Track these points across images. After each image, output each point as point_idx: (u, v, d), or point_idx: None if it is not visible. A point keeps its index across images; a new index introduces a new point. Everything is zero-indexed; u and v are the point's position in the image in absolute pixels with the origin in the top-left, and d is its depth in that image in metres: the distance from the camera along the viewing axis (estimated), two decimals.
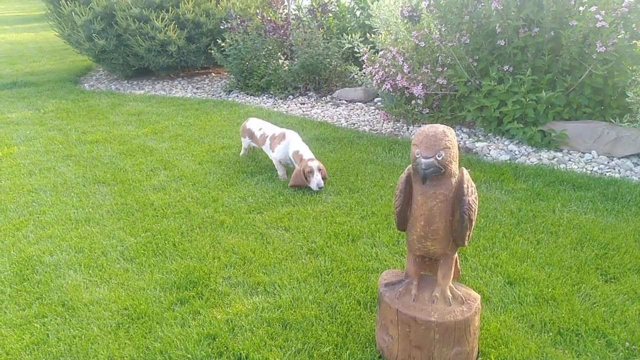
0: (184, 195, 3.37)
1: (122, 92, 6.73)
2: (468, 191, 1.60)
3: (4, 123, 5.28)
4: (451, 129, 1.62)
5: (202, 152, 4.21)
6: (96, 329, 2.10)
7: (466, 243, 1.70)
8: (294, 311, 2.16)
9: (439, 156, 1.53)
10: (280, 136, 3.61)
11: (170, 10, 6.57)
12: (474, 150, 4.08)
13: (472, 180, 1.70)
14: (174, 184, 3.57)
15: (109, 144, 4.51)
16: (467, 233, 1.66)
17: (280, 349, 1.95)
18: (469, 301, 1.76)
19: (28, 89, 6.90)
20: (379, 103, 5.60)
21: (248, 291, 2.33)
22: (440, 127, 1.58)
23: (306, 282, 2.37)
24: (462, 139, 4.37)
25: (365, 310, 2.15)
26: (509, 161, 3.79)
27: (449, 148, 1.55)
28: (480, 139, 4.31)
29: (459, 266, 1.93)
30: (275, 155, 3.60)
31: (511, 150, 3.99)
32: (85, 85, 7.26)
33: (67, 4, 6.70)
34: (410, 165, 1.71)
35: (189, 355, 1.92)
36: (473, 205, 1.61)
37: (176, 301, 2.26)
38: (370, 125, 4.88)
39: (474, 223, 1.66)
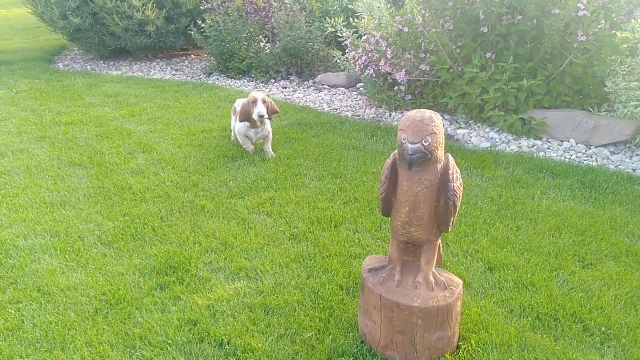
0: (163, 179, 3.31)
1: (98, 72, 6.54)
2: (453, 177, 1.60)
3: None
4: (437, 114, 1.60)
5: (181, 135, 4.13)
6: (73, 314, 2.05)
7: (450, 229, 1.70)
8: (276, 296, 2.15)
9: (425, 142, 1.52)
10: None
11: None
12: (455, 137, 4.10)
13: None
14: (153, 168, 3.49)
15: (84, 126, 4.38)
16: (451, 219, 1.66)
17: (263, 334, 1.93)
18: (451, 287, 1.77)
19: None
20: (361, 89, 5.57)
21: (229, 276, 2.30)
22: (427, 113, 1.57)
23: (288, 268, 2.36)
24: (443, 125, 4.38)
25: (347, 296, 2.15)
26: (489, 148, 3.82)
27: (436, 134, 1.54)
28: (462, 126, 4.33)
29: (441, 252, 1.94)
30: (235, 125, 3.63)
31: (492, 138, 4.03)
32: (60, 64, 7.03)
33: None
34: (395, 151, 1.69)
35: (170, 341, 1.89)
36: (458, 192, 1.61)
37: (156, 286, 2.22)
38: (353, 111, 4.85)
39: (458, 209, 1.66)
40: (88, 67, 6.84)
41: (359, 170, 3.37)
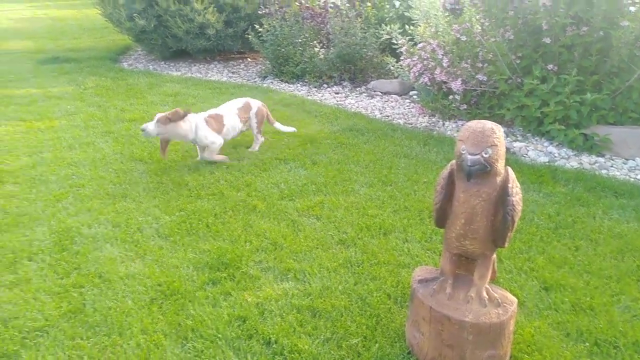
0: (218, 178, 3.41)
1: (160, 72, 6.82)
2: (513, 191, 1.56)
3: (46, 97, 5.42)
4: (499, 126, 1.57)
5: None
6: (131, 302, 2.15)
7: (506, 244, 1.66)
8: (324, 300, 2.16)
9: (485, 153, 1.50)
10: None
11: None
12: (512, 150, 3.99)
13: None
14: (208, 166, 3.61)
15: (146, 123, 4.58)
16: (508, 234, 1.62)
17: (309, 336, 1.96)
18: (505, 304, 1.72)
19: (69, 65, 7.06)
20: (414, 96, 5.53)
21: (278, 277, 2.34)
22: (489, 124, 1.55)
23: (336, 272, 2.37)
24: None
25: (395, 305, 2.14)
26: (547, 163, 3.69)
27: (496, 146, 1.51)
28: (519, 138, 4.21)
29: (495, 267, 1.89)
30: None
31: (550, 152, 3.89)
32: (124, 64, 7.39)
33: None
34: (453, 162, 1.67)
35: (220, 335, 1.95)
36: (517, 207, 1.57)
37: (208, 281, 2.29)
38: (405, 119, 4.82)
39: (516, 224, 1.62)
40: (150, 67, 7.14)
41: (410, 179, 3.34)
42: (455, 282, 1.81)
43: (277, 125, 4.05)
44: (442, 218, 1.73)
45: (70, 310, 2.11)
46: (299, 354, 1.86)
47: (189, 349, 1.90)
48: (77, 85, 5.96)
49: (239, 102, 3.90)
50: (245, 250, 2.55)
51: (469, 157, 1.50)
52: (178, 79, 6.40)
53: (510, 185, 1.57)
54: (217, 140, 3.60)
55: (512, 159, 3.75)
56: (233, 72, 6.87)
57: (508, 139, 4.21)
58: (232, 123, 3.75)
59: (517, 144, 4.06)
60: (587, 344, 1.91)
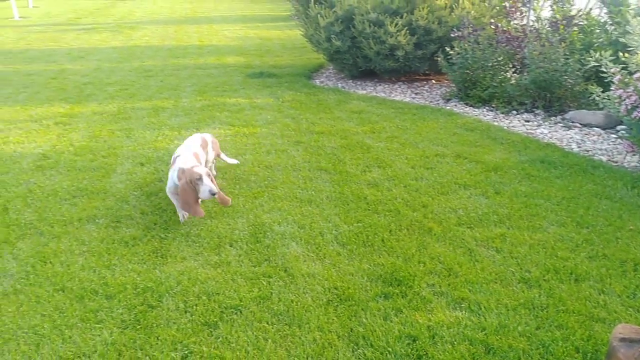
0: (395, 195, 3.48)
1: (347, 90, 7.24)
2: None
3: (251, 107, 6.20)
4: None
5: (415, 156, 4.27)
6: (310, 299, 2.33)
7: None
8: (499, 338, 2.04)
9: None
10: (173, 163, 3.10)
11: (404, 16, 6.80)
12: None
13: None
14: (387, 183, 3.70)
15: (332, 137, 4.91)
16: None
17: None
18: None
19: (271, 80, 7.95)
20: (622, 132, 4.87)
21: (451, 304, 2.29)
22: None
23: (515, 312, 2.22)
24: None
25: None
26: None
27: None
28: None
29: None
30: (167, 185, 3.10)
31: None
32: (317, 81, 8.03)
33: (315, 6, 7.50)
34: None
35: (390, 349, 1.98)
36: None
37: (381, 294, 2.35)
38: (609, 156, 4.28)
39: None
40: (339, 85, 7.64)
41: (612, 225, 2.95)
42: None
43: (223, 156, 3.84)
44: None
45: (260, 296, 2.37)
46: None
47: (359, 355, 1.98)
48: (276, 98, 6.68)
49: (196, 138, 3.47)
50: (418, 270, 2.55)
51: None
52: (363, 97, 6.72)
53: None
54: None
55: None
56: (416, 93, 6.94)
57: None
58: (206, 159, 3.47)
59: None
60: None
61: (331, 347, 2.02)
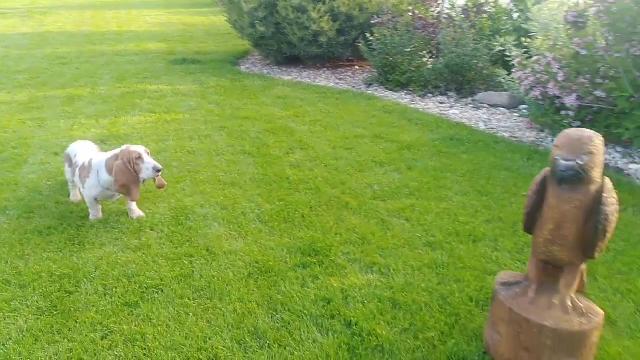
0: (316, 175, 3.62)
1: (272, 76, 7.29)
2: (607, 202, 1.54)
3: (174, 93, 6.09)
4: (600, 136, 1.56)
5: (336, 138, 4.44)
6: (231, 274, 2.41)
7: (596, 255, 1.63)
8: (405, 294, 2.25)
9: (580, 160, 1.50)
10: (88, 166, 2.85)
11: (326, 2, 6.94)
12: (626, 171, 3.71)
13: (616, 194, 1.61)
14: (308, 164, 3.84)
15: (256, 121, 4.97)
16: (599, 244, 1.59)
17: (388, 324, 2.05)
18: (590, 314, 1.68)
19: (195, 66, 7.82)
20: (524, 111, 5.33)
21: (364, 268, 2.47)
22: (588, 132, 1.54)
23: (420, 271, 2.44)
24: (614, 158, 3.99)
25: (476, 308, 2.15)
26: None
27: (593, 154, 1.50)
28: (636, 160, 3.89)
29: (585, 279, 1.84)
30: (85, 194, 2.90)
31: None
32: (242, 67, 8.00)
33: None
34: (547, 168, 1.68)
35: (306, 312, 2.12)
36: (611, 217, 1.54)
37: (299, 264, 2.49)
38: (511, 132, 4.68)
39: (608, 235, 1.58)
40: (265, 71, 7.67)
41: (509, 192, 3.27)
42: (540, 289, 1.80)
43: None
44: (531, 222, 1.73)
45: (181, 274, 2.42)
46: (376, 338, 1.97)
47: (277, 319, 2.10)
48: (200, 84, 6.60)
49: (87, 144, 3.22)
50: (335, 241, 2.71)
51: (562, 162, 1.51)
52: (289, 83, 6.81)
53: (605, 195, 1.54)
54: None
55: (625, 181, 3.50)
56: (340, 79, 7.13)
57: (624, 160, 3.92)
58: None
59: (633, 166, 3.76)
60: None
61: (251, 315, 2.12)
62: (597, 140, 1.53)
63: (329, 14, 6.96)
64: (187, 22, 12.55)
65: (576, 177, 1.51)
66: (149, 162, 2.72)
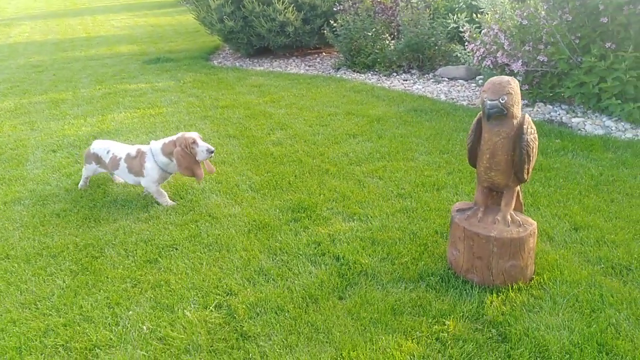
0: (297, 149, 4.03)
1: (245, 68, 7.63)
2: (527, 131, 1.99)
3: (154, 90, 6.39)
4: (515, 80, 2.01)
5: (312, 117, 4.85)
6: (234, 231, 2.81)
7: (526, 177, 2.08)
8: (382, 233, 2.69)
9: (502, 100, 1.94)
10: (140, 155, 3.17)
11: None
12: (569, 124, 4.23)
13: (533, 126, 2.07)
14: (289, 141, 4.24)
15: (236, 109, 5.34)
16: (526, 167, 2.05)
17: (369, 256, 2.49)
18: (525, 225, 2.15)
19: (169, 64, 8.09)
20: (480, 81, 5.83)
21: (346, 218, 2.90)
22: (506, 78, 1.99)
23: (393, 216, 2.88)
24: (559, 114, 4.51)
25: (441, 238, 2.61)
26: (602, 135, 3.91)
27: (511, 94, 1.95)
28: (578, 115, 4.43)
29: (521, 199, 2.31)
30: (147, 180, 3.16)
31: (607, 126, 4.09)
32: (215, 62, 8.31)
33: None
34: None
35: (300, 252, 2.54)
36: (531, 143, 2.00)
37: (291, 219, 2.90)
38: (469, 101, 5.17)
39: (532, 159, 2.04)
40: (237, 63, 8.00)
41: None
42: (486, 210, 2.26)
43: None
44: (473, 156, 2.18)
45: (191, 235, 2.80)
46: (360, 265, 2.41)
47: (278, 260, 2.51)
48: (177, 80, 6.90)
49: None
50: (319, 200, 3.13)
51: (488, 102, 1.96)
52: (261, 72, 7.17)
53: (525, 126, 2.00)
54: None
55: (567, 132, 4.02)
56: (309, 66, 7.52)
57: (567, 115, 4.45)
58: None
59: (575, 120, 4.29)
60: (603, 266, 2.27)
61: (255, 259, 2.53)
62: (513, 83, 1.98)
63: (293, 5, 7.33)
64: (154, 23, 12.72)
65: (500, 113, 1.96)
66: (202, 145, 3.02)
